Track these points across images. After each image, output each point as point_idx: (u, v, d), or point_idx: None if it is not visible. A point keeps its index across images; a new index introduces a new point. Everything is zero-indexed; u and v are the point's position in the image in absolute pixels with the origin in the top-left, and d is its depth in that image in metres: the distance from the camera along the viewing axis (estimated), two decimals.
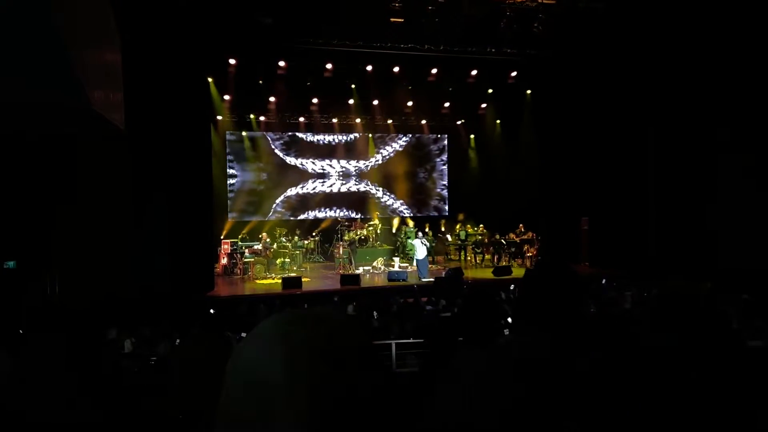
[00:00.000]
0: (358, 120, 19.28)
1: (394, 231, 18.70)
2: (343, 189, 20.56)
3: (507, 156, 18.45)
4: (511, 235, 16.71)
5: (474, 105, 18.85)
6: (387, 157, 21.01)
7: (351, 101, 17.37)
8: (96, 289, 10.24)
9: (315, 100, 17.38)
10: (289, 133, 19.68)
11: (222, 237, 17.08)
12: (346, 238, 16.96)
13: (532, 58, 14.45)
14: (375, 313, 8.81)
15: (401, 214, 20.85)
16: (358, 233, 17.14)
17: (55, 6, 4.03)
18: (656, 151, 14.01)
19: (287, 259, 15.90)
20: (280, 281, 13.54)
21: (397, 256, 17.17)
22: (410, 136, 21.17)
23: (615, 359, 1.53)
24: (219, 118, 17.55)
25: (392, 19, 12.34)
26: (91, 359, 1.63)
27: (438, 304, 9.49)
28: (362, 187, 20.78)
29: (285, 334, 0.76)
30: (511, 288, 10.56)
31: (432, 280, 13.45)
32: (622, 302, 8.39)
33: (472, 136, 20.90)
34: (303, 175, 20.02)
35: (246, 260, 15.47)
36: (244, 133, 19.08)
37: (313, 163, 20.13)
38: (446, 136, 21.61)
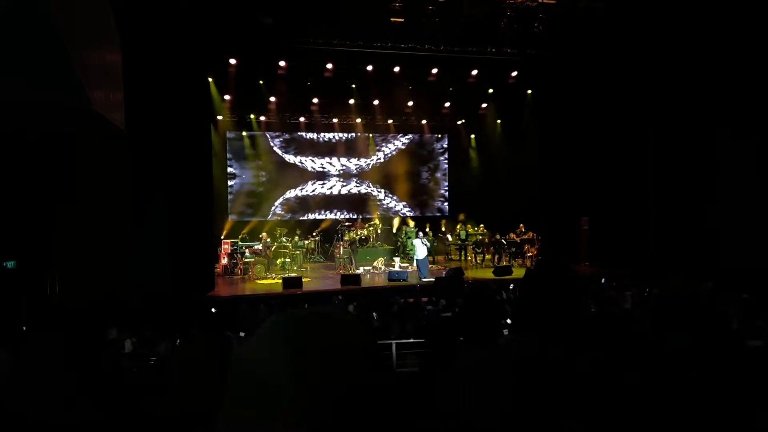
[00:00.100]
0: (358, 120, 19.27)
1: (394, 231, 18.68)
2: (344, 191, 20.54)
3: (507, 156, 18.45)
4: (512, 235, 16.71)
5: (474, 105, 18.84)
6: (389, 155, 20.99)
7: (351, 101, 17.38)
8: (96, 289, 10.24)
9: (315, 100, 17.37)
10: (289, 133, 19.68)
11: (222, 237, 17.07)
12: (346, 238, 16.97)
13: (533, 58, 14.45)
14: (374, 314, 8.81)
15: (402, 215, 20.83)
16: (359, 233, 17.14)
17: (55, 6, 4.03)
18: (656, 150, 14.01)
19: (287, 259, 15.89)
20: (280, 281, 13.53)
21: (397, 256, 17.16)
22: (411, 135, 21.16)
23: (615, 359, 1.53)
24: (219, 118, 17.55)
25: (392, 19, 12.34)
26: (91, 359, 1.63)
27: (438, 304, 9.49)
28: (363, 189, 20.76)
29: (286, 334, 0.76)
30: (511, 288, 10.56)
31: (432, 280, 13.44)
32: (622, 302, 8.39)
33: (472, 136, 20.88)
34: (303, 175, 20.00)
35: (246, 260, 15.47)
36: (244, 133, 19.09)
37: (313, 161, 20.11)
38: (447, 135, 21.61)
